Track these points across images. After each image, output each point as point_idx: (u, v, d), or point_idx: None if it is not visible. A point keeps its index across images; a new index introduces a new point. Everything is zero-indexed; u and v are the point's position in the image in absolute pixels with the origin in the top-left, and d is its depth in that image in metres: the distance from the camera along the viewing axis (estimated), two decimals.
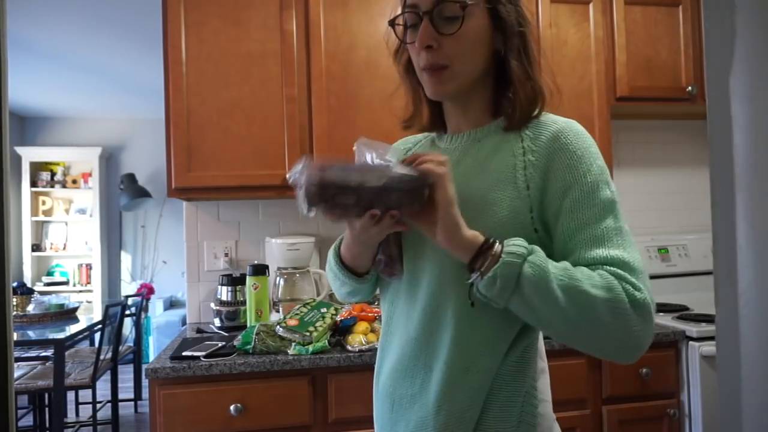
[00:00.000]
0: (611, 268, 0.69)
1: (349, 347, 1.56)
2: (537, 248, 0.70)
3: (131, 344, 4.03)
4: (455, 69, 0.79)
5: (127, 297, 4.08)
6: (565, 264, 0.71)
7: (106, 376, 3.50)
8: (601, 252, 0.71)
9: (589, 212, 0.73)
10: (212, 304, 1.97)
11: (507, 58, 0.80)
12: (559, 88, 0.85)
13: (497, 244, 0.70)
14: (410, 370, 0.81)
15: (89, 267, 5.37)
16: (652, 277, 2.30)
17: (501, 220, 0.75)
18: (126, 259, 5.59)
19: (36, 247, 5.30)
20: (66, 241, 5.41)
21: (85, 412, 3.83)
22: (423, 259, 0.81)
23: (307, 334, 1.56)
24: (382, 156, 0.73)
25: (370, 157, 0.73)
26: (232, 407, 1.48)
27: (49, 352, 2.77)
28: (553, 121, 0.79)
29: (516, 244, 0.69)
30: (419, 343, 0.80)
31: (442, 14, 0.77)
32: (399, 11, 0.83)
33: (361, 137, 0.76)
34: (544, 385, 0.84)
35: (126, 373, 4.42)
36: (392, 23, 0.83)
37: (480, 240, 0.71)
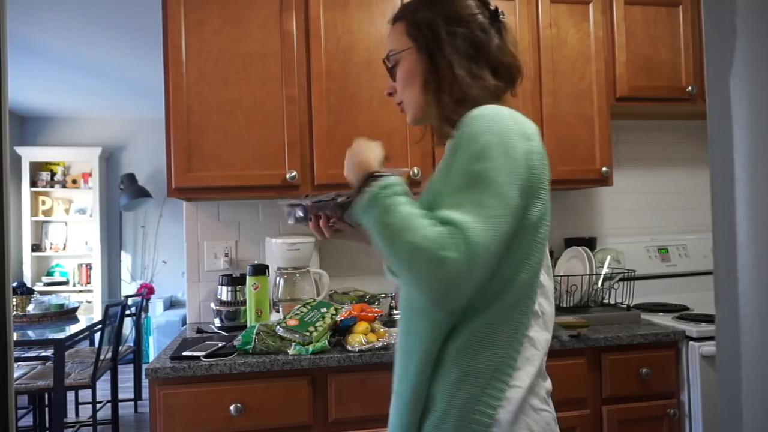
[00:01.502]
0: (443, 227, 0.76)
1: (349, 347, 1.56)
2: (402, 189, 0.83)
3: (131, 344, 4.03)
4: (406, 104, 1.01)
5: (127, 297, 4.08)
6: (416, 211, 0.80)
7: (106, 376, 3.49)
8: (441, 214, 0.78)
9: (456, 181, 0.81)
10: (212, 304, 1.97)
11: (437, 89, 0.95)
12: (494, 83, 0.97)
13: (375, 180, 0.84)
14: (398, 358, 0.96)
15: (89, 267, 5.37)
16: (652, 276, 2.30)
17: (432, 200, 0.87)
18: (126, 259, 5.59)
19: (36, 247, 5.30)
20: (66, 241, 5.41)
21: (85, 412, 3.83)
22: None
23: (307, 334, 1.56)
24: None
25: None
26: (232, 407, 1.48)
27: (49, 352, 2.77)
28: (471, 111, 0.87)
29: (393, 179, 0.84)
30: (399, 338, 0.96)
31: (389, 68, 1.02)
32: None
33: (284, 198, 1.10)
34: (526, 373, 0.85)
35: (126, 373, 4.42)
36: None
37: (371, 169, 0.89)
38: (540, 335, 0.89)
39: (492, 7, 0.99)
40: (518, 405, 0.83)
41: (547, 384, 0.91)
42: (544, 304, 0.91)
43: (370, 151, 0.92)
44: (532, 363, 0.86)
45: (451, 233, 0.74)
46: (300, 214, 1.01)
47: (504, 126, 0.82)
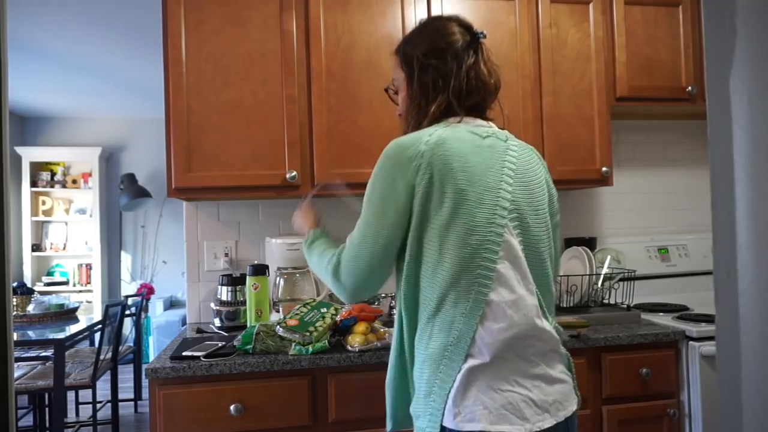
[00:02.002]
0: (341, 246, 1.15)
1: (349, 347, 1.56)
2: (321, 237, 1.26)
3: (131, 344, 4.03)
4: (405, 125, 1.20)
5: (127, 297, 4.08)
6: (327, 246, 1.20)
7: (106, 376, 3.50)
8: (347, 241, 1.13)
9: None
10: (212, 304, 1.97)
11: (419, 104, 1.17)
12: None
13: (311, 234, 1.29)
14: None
15: (89, 267, 5.37)
16: (652, 276, 2.30)
17: None
18: (126, 259, 5.59)
19: (36, 247, 5.30)
20: (66, 241, 5.41)
21: (85, 412, 3.83)
22: None
23: (307, 334, 1.56)
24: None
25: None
26: (232, 407, 1.48)
27: (49, 352, 2.77)
28: None
29: (311, 235, 1.29)
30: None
31: (390, 94, 1.28)
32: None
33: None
34: (482, 356, 0.98)
35: (126, 373, 4.42)
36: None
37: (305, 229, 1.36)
38: (498, 325, 0.98)
39: (475, 31, 1.16)
40: (466, 383, 0.97)
41: (523, 367, 1.00)
42: (503, 293, 0.99)
43: (304, 218, 1.38)
44: (483, 350, 0.98)
45: (340, 250, 1.13)
46: None
47: (390, 158, 1.06)
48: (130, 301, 3.88)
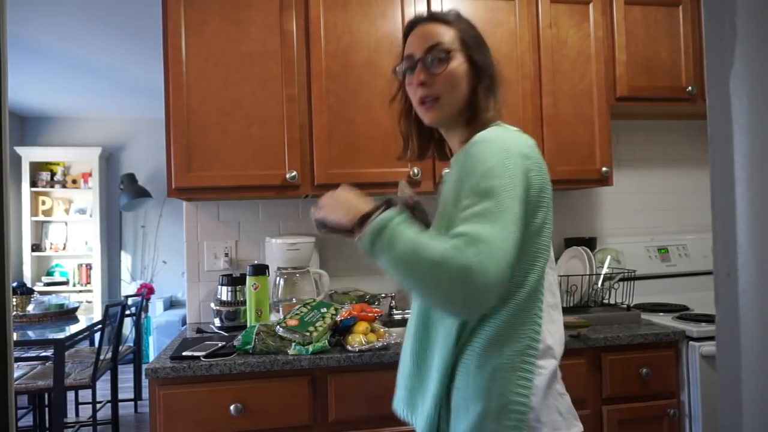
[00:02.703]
0: (457, 239, 0.82)
1: (349, 347, 1.56)
2: (400, 219, 0.87)
3: (131, 344, 4.03)
4: (443, 100, 1.01)
5: (127, 297, 4.08)
6: (423, 234, 0.86)
7: (106, 376, 3.50)
8: (458, 229, 0.83)
9: (468, 200, 0.87)
10: (212, 304, 1.97)
11: (477, 93, 1.02)
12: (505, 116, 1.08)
13: (373, 215, 0.89)
14: (406, 341, 1.08)
15: (89, 267, 5.37)
16: (652, 276, 2.30)
17: (447, 225, 0.91)
18: (126, 259, 5.59)
19: (36, 247, 5.29)
20: (66, 241, 5.41)
21: (85, 412, 3.83)
22: None
23: (307, 334, 1.56)
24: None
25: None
26: (232, 407, 1.48)
27: (49, 352, 2.77)
28: (475, 137, 0.97)
29: (386, 214, 0.87)
30: (411, 321, 1.06)
31: (432, 58, 1.01)
32: (400, 61, 1.06)
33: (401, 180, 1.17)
34: (547, 362, 0.93)
35: (126, 373, 4.42)
36: (394, 71, 1.08)
37: (362, 211, 0.91)
38: (553, 327, 0.97)
39: None
40: (545, 390, 0.91)
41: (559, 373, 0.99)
42: (549, 297, 0.98)
43: (354, 196, 0.96)
44: (552, 353, 0.95)
45: (467, 242, 0.80)
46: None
47: (505, 148, 0.91)
48: (130, 301, 3.88)
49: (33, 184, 5.23)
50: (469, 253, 0.78)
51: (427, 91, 1.01)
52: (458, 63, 1.01)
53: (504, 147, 0.92)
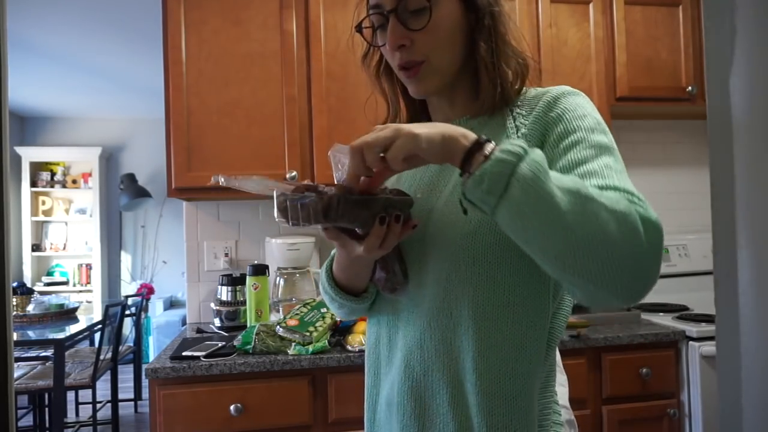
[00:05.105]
0: (611, 191, 0.59)
1: (349, 347, 1.56)
2: (538, 150, 0.58)
3: (131, 344, 4.03)
4: (433, 63, 0.75)
5: (127, 297, 4.08)
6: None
7: (106, 376, 3.50)
8: (598, 182, 0.61)
9: (585, 152, 0.65)
10: (212, 304, 1.97)
11: (476, 40, 0.75)
12: (538, 65, 0.82)
13: (490, 143, 0.59)
14: (429, 388, 0.73)
15: (89, 267, 5.37)
16: None
17: None
18: (126, 259, 5.59)
19: (36, 247, 5.29)
20: (66, 241, 5.41)
21: (85, 412, 3.82)
22: (427, 264, 0.73)
23: (307, 334, 1.56)
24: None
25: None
26: (232, 407, 1.48)
27: (49, 352, 2.77)
28: (544, 92, 0.75)
29: (513, 143, 0.57)
30: (439, 356, 0.72)
31: (408, 9, 0.73)
32: (364, 15, 0.79)
33: (335, 144, 0.74)
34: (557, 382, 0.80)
35: (126, 373, 4.42)
36: (359, 28, 0.80)
37: (471, 139, 0.60)
38: (558, 356, 0.83)
39: None
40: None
41: None
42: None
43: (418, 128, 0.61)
44: (564, 386, 0.82)
45: (629, 198, 0.58)
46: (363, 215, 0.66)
47: (594, 107, 0.73)
48: (130, 301, 3.88)
49: (33, 184, 5.23)
50: (642, 208, 0.57)
51: (409, 56, 0.75)
52: (445, 7, 0.74)
53: (591, 104, 0.73)
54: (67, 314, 3.36)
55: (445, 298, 0.71)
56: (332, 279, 0.84)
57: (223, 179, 0.70)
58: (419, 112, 0.90)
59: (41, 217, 5.27)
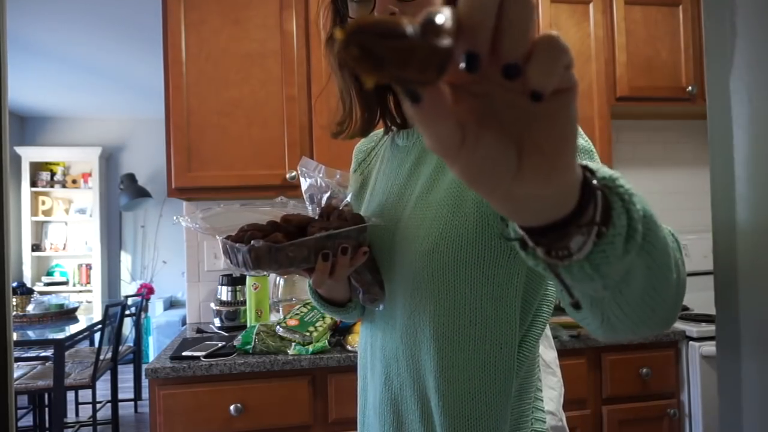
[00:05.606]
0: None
1: (349, 347, 1.56)
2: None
3: (131, 344, 4.03)
4: None
5: (127, 297, 4.08)
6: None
7: (106, 376, 3.50)
8: None
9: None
10: (212, 304, 1.97)
11: None
12: None
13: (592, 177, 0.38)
14: (404, 402, 0.71)
15: (89, 267, 5.37)
16: None
17: (474, 220, 0.63)
18: (126, 259, 5.59)
19: (36, 247, 5.29)
20: (66, 241, 5.41)
21: (85, 412, 3.82)
22: (395, 277, 0.71)
23: (307, 334, 1.56)
24: (325, 180, 0.75)
25: (314, 181, 0.74)
26: (232, 407, 1.48)
27: (49, 352, 2.77)
28: None
29: (615, 176, 0.39)
30: (410, 373, 0.69)
31: None
32: None
33: (303, 158, 0.75)
34: (550, 399, 0.78)
35: (126, 373, 4.42)
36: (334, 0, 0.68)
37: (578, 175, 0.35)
38: (551, 356, 0.82)
39: None
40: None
41: None
42: (546, 351, 0.82)
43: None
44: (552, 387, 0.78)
45: (674, 237, 0.48)
46: (301, 254, 0.66)
47: None
48: (130, 301, 3.88)
49: (33, 184, 5.22)
50: (680, 256, 0.46)
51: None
52: None
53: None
54: (67, 314, 3.36)
55: (411, 314, 0.68)
56: (315, 292, 0.82)
57: (191, 223, 0.73)
58: (372, 117, 0.81)
59: (41, 217, 5.27)
